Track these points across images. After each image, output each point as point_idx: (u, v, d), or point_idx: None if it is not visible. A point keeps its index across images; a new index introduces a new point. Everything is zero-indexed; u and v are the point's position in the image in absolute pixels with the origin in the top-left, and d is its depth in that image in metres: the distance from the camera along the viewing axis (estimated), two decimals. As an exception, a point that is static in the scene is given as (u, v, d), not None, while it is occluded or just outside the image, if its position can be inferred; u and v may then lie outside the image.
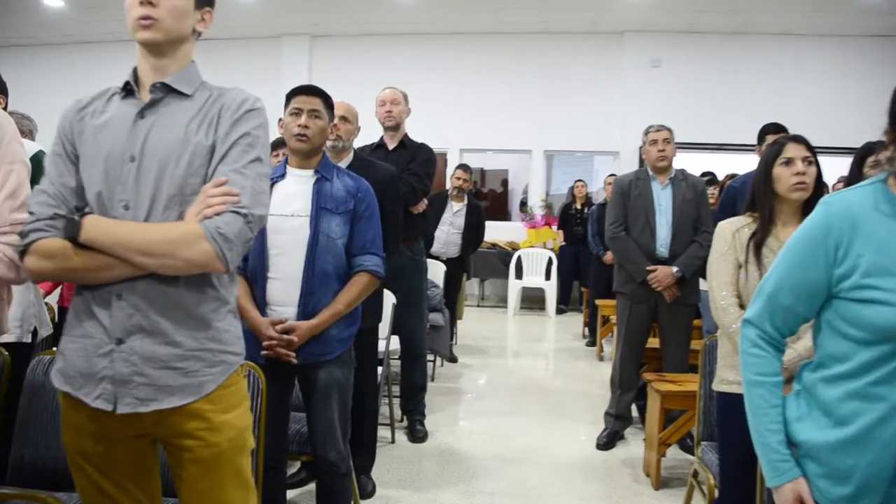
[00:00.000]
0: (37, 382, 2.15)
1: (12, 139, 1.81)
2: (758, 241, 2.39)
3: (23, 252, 1.50)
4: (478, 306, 10.11)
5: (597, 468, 3.91)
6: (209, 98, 1.59)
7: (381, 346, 3.79)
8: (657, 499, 3.49)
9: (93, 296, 1.52)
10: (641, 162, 6.70)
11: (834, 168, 5.73)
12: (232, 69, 9.19)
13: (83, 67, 9.86)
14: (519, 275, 9.42)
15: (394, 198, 3.46)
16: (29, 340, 2.48)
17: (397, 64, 10.07)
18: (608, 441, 4.21)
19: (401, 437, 4.31)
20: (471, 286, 10.29)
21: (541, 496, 3.52)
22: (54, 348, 1.81)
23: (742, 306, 2.38)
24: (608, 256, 6.59)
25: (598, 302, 6.69)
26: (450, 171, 10.21)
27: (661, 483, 3.57)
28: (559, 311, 9.28)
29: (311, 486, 3.29)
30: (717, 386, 2.49)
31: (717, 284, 2.48)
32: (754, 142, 4.23)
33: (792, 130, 3.19)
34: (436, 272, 5.94)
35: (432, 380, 5.65)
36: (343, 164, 3.34)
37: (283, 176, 2.61)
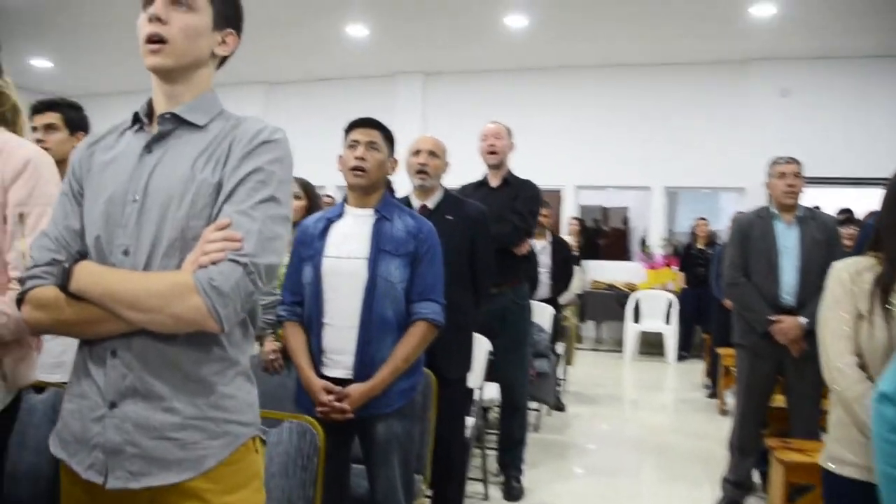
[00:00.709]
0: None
1: (49, 181, 1.71)
2: (885, 287, 1.91)
3: (19, 301, 1.36)
4: (593, 350, 9.65)
5: (712, 543, 3.47)
6: (223, 129, 1.40)
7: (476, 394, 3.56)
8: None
9: (90, 351, 1.36)
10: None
11: None
12: (347, 108, 9.20)
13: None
14: (637, 318, 8.93)
15: (485, 238, 3.24)
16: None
17: (510, 100, 9.91)
18: (726, 511, 3.75)
19: (495, 492, 4.01)
20: (585, 329, 9.89)
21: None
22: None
23: (863, 367, 1.93)
24: (728, 302, 6.07)
25: (719, 350, 6.15)
26: (566, 208, 9.95)
27: (786, 566, 3.09)
28: (680, 358, 8.71)
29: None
30: (826, 463, 1.97)
31: (832, 339, 1.98)
32: (897, 174, 3.72)
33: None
34: (542, 315, 5.64)
35: (536, 430, 5.35)
36: (432, 201, 3.17)
37: (340, 215, 2.47)
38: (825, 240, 3.58)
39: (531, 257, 4.21)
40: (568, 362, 6.74)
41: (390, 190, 4.26)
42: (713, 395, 6.68)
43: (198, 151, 1.36)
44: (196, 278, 1.24)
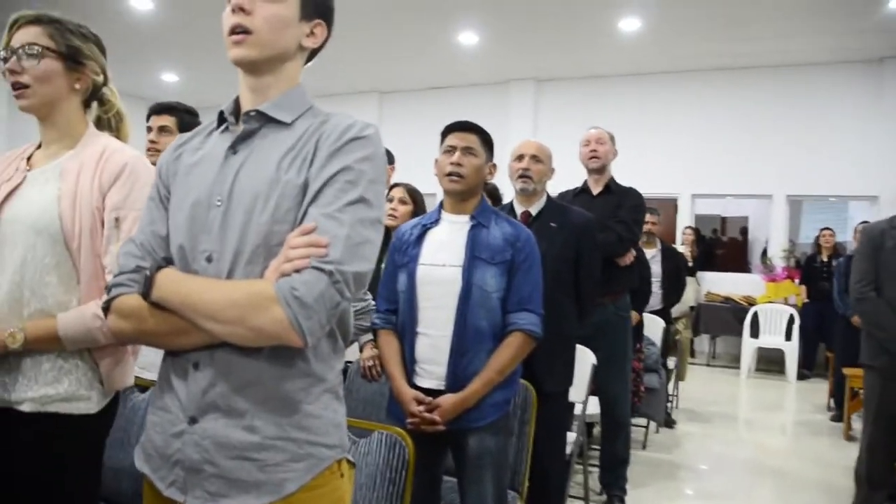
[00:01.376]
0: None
1: (145, 185, 1.71)
2: None
3: (105, 309, 1.32)
4: (707, 365, 9.23)
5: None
6: (310, 127, 1.32)
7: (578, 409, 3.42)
8: None
9: (173, 363, 1.32)
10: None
11: None
12: (459, 116, 9.09)
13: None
14: (755, 333, 8.45)
15: (591, 247, 3.12)
16: None
17: (623, 105, 9.67)
18: (852, 549, 3.46)
19: (597, 513, 3.84)
20: (699, 343, 9.49)
21: None
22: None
23: None
24: (856, 318, 5.65)
25: (845, 370, 5.73)
26: (681, 218, 9.59)
27: None
28: (801, 377, 8.20)
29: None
30: None
31: None
32: None
33: None
34: (653, 328, 5.42)
35: (643, 447, 5.14)
36: (535, 208, 3.08)
37: (436, 221, 2.41)
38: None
39: (636, 268, 4.03)
40: (680, 378, 6.46)
41: (496, 197, 4.19)
42: (838, 418, 6.25)
43: (283, 151, 1.29)
44: (277, 288, 1.15)
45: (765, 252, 9.73)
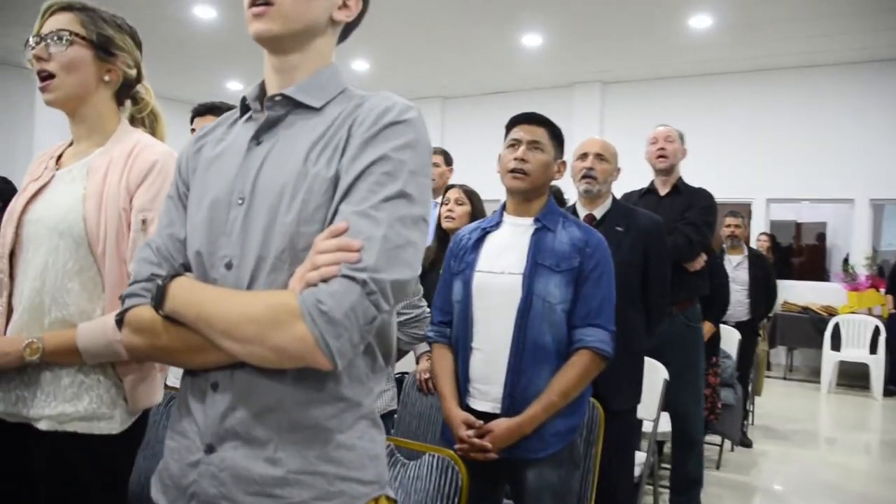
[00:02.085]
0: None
1: None
2: None
3: (119, 321, 1.16)
4: (784, 379, 8.76)
5: None
6: (343, 111, 1.13)
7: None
8: None
9: (191, 383, 1.15)
10: None
11: None
12: (522, 121, 9.06)
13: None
14: (836, 345, 7.97)
15: (660, 253, 2.89)
16: None
17: (691, 106, 9.31)
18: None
19: (668, 537, 3.58)
20: (776, 355, 9.02)
21: None
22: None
23: None
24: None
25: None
26: (755, 224, 9.17)
27: None
28: (887, 393, 7.67)
29: None
30: None
31: None
32: None
33: None
34: (728, 340, 5.10)
35: (717, 467, 4.84)
36: (599, 211, 2.87)
37: (498, 224, 2.19)
38: None
39: (706, 274, 3.75)
40: (756, 392, 6.10)
41: (560, 201, 3.97)
42: (930, 439, 5.81)
43: (313, 140, 1.11)
44: (301, 301, 0.98)
45: (846, 259, 9.22)
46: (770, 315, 7.73)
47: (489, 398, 2.03)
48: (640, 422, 3.15)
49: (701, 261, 3.63)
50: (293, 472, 1.06)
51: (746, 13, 7.32)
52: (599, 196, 2.87)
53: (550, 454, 2.00)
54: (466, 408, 2.07)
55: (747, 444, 5.46)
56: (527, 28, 8.09)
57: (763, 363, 6.80)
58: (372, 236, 1.00)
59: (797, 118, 9.00)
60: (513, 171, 2.12)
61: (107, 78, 1.64)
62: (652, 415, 3.18)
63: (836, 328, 8.02)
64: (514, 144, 2.15)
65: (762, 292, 5.63)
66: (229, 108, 2.84)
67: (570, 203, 3.21)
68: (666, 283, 2.94)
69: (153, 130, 1.81)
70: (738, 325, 5.36)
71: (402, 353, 2.92)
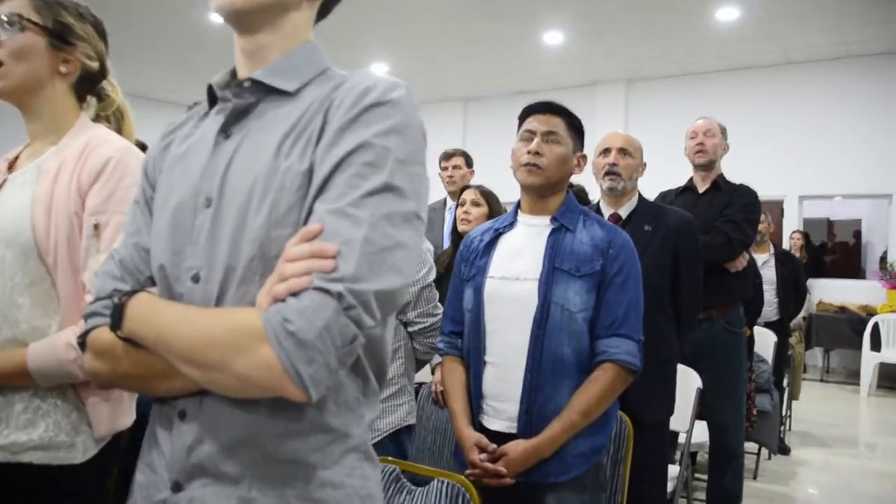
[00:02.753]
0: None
1: (134, 183, 1.39)
2: None
3: (81, 344, 1.02)
4: (821, 381, 8.48)
5: None
6: (320, 94, 0.97)
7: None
8: None
9: (159, 411, 1.00)
10: None
11: None
12: (543, 121, 8.89)
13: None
14: (876, 346, 7.68)
15: (692, 252, 2.69)
16: None
17: (719, 102, 9.00)
18: None
19: (705, 556, 3.38)
20: (811, 357, 8.73)
21: None
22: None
23: None
24: None
25: None
26: (787, 222, 8.90)
27: None
28: (932, 395, 7.40)
29: None
30: None
31: None
32: None
33: None
34: (763, 344, 4.88)
35: (755, 477, 4.61)
36: (625, 210, 2.70)
37: (512, 224, 2.01)
38: None
39: (749, 275, 3.54)
40: (793, 396, 5.86)
41: (583, 200, 3.77)
42: (980, 444, 5.54)
43: (286, 129, 0.95)
44: (265, 319, 0.82)
45: (884, 257, 8.91)
46: (804, 316, 7.49)
47: (504, 417, 1.86)
48: (673, 434, 2.96)
49: (743, 261, 3.42)
50: None
51: (775, 3, 7.08)
52: (624, 193, 2.69)
53: (573, 477, 1.82)
54: (480, 427, 1.90)
55: (785, 451, 5.23)
56: (548, 25, 7.93)
57: (800, 366, 6.55)
58: (351, 239, 0.84)
59: (829, 112, 8.72)
60: (526, 164, 1.93)
61: (63, 69, 1.48)
62: (685, 426, 2.98)
63: (876, 328, 7.73)
64: (528, 136, 1.97)
65: (791, 292, 5.42)
66: None
67: (593, 202, 3.03)
68: (698, 286, 2.74)
69: (119, 129, 1.63)
70: (768, 326, 5.13)
71: (420, 364, 2.76)
